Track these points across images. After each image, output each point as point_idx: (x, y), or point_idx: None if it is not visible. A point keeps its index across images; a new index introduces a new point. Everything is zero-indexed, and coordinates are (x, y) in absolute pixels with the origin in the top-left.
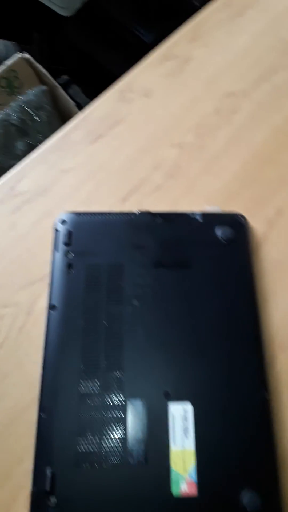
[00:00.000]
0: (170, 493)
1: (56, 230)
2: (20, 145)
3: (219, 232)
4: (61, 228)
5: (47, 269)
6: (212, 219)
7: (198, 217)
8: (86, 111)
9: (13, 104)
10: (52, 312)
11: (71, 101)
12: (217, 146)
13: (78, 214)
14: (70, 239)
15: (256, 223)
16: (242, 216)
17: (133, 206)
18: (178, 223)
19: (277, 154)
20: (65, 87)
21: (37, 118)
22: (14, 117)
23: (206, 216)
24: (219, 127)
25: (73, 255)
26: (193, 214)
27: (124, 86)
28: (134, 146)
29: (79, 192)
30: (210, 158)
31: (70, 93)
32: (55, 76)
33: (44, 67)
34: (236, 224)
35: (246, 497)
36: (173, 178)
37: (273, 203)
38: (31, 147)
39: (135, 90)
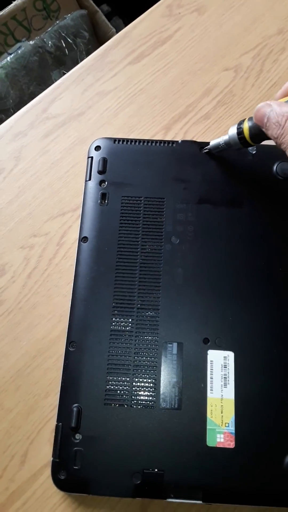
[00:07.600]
0: (204, 442)
1: (90, 157)
2: (55, 75)
3: (276, 167)
4: (95, 154)
5: (79, 200)
6: (268, 153)
7: (251, 150)
8: (128, 28)
9: (49, 29)
10: (83, 244)
11: (112, 28)
12: (279, 71)
13: (115, 140)
14: (105, 167)
15: None
16: None
17: (177, 135)
18: (228, 155)
19: None
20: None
21: (74, 46)
22: (50, 43)
23: (262, 148)
24: (282, 50)
25: (108, 184)
26: None
27: (172, 0)
28: (181, 68)
29: (117, 118)
30: (269, 85)
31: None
32: (96, 4)
33: None
34: None
35: None
36: (226, 106)
37: None
38: None
39: (185, 4)
